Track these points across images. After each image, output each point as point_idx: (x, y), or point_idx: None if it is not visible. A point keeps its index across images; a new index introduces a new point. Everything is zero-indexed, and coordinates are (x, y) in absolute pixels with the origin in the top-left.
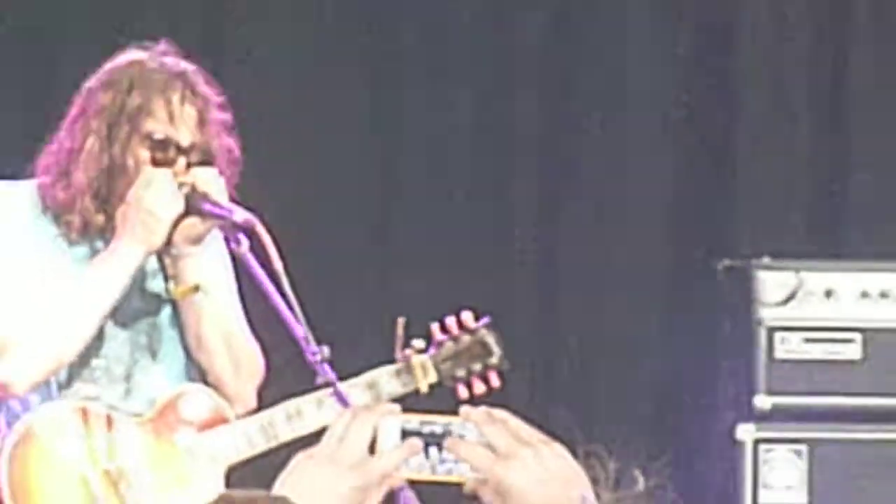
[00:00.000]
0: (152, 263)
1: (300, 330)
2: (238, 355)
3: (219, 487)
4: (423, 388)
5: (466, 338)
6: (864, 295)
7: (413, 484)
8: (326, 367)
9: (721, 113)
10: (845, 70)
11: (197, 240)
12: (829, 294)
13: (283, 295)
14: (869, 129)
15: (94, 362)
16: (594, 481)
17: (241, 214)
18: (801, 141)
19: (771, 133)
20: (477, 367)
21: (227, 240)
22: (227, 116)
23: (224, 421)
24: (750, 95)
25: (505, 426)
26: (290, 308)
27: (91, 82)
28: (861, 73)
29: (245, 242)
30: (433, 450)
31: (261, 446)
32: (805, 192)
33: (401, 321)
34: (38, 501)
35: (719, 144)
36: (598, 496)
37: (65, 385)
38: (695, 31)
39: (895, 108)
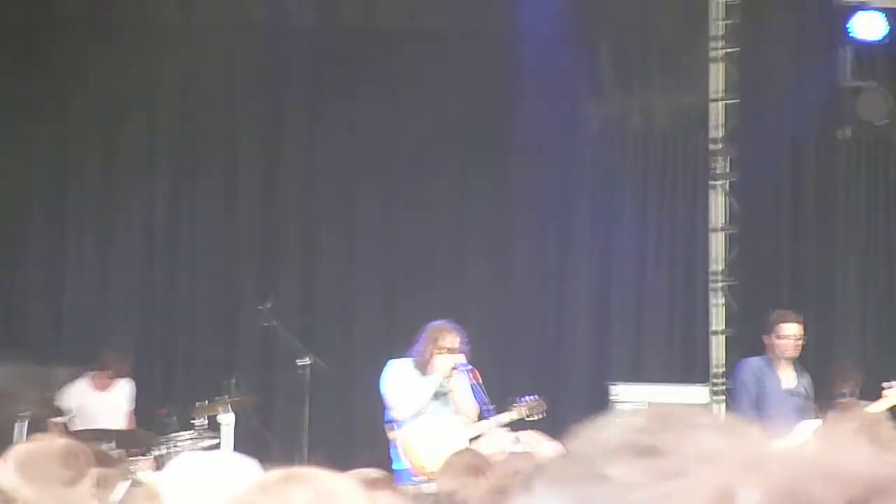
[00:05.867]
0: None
1: (489, 406)
2: (469, 409)
3: None
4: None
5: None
6: None
7: None
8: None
9: None
10: None
11: (454, 374)
12: None
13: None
14: None
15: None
16: None
17: (467, 366)
18: None
19: None
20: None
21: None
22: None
23: None
24: None
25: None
26: (484, 394)
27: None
28: None
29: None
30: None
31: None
32: None
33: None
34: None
35: None
36: None
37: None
38: None
39: None
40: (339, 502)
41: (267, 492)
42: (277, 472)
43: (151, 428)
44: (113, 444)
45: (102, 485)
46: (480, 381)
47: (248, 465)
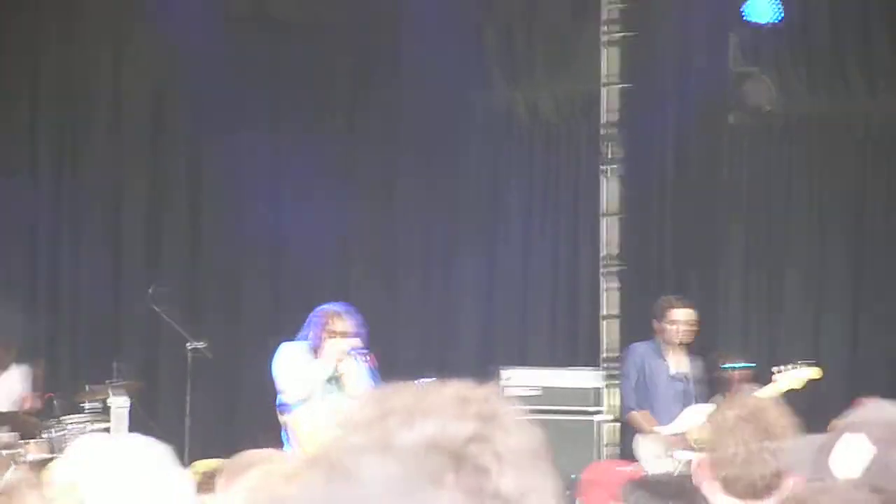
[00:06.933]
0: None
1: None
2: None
3: None
4: None
5: None
6: None
7: None
8: None
9: None
10: None
11: (344, 358)
12: None
13: (374, 373)
14: None
15: (313, 395)
16: None
17: (363, 351)
18: None
19: None
20: None
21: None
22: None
23: None
24: None
25: None
26: (377, 377)
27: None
28: None
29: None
30: None
31: None
32: None
33: None
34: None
35: None
36: None
37: (306, 399)
38: None
39: None
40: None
41: (289, 480)
42: (298, 459)
43: (39, 412)
44: (7, 428)
45: None
46: (376, 365)
47: (160, 449)
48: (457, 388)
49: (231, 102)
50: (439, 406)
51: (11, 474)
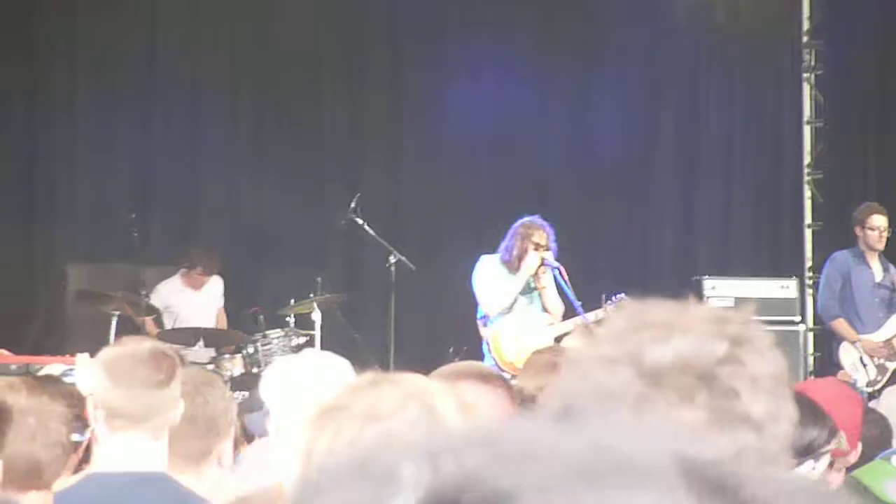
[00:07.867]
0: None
1: (577, 303)
2: (557, 306)
3: None
4: None
5: None
6: None
7: None
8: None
9: None
10: None
11: (543, 271)
12: None
13: (567, 286)
14: None
15: (513, 307)
16: None
17: (555, 263)
18: None
19: None
20: None
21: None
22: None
23: None
24: None
25: None
26: (571, 291)
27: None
28: None
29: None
30: None
31: None
32: None
33: None
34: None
35: None
36: None
37: (506, 311)
38: None
39: None
40: (427, 400)
41: (358, 393)
42: (366, 376)
43: (241, 326)
44: (202, 343)
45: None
46: (567, 278)
47: (340, 364)
48: (713, 308)
49: (433, 14)
50: (695, 324)
51: (216, 390)
